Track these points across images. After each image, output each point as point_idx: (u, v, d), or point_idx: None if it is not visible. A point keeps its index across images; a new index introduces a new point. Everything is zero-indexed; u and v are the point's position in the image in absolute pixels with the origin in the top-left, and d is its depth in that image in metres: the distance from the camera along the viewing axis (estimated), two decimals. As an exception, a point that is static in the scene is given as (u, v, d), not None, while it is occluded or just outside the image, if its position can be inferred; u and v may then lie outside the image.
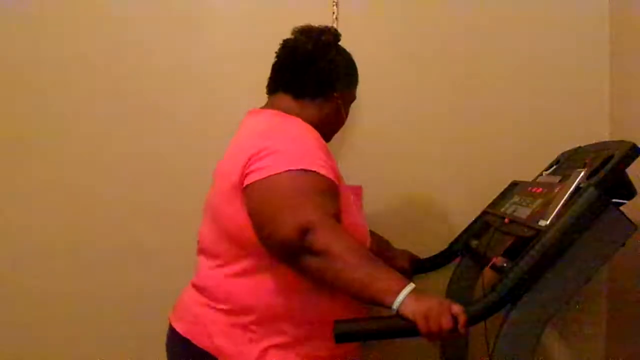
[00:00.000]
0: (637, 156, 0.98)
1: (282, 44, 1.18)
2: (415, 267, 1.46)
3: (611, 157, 1.00)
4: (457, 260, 1.43)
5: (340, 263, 0.88)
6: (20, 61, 1.58)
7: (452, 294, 1.41)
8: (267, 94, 1.20)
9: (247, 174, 0.97)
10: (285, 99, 1.14)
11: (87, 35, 1.58)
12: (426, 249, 1.48)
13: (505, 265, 0.99)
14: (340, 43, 1.20)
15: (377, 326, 0.91)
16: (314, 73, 1.13)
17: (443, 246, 1.46)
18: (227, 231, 1.03)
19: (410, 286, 0.86)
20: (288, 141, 1.01)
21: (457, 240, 1.43)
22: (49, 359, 1.58)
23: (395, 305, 0.85)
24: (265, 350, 1.00)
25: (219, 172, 1.11)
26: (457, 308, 0.85)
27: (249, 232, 0.98)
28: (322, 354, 1.03)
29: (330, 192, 0.97)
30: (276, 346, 1.00)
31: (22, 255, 1.58)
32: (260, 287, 1.01)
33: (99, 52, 1.58)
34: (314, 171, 0.95)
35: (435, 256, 1.46)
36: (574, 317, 1.54)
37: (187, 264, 1.57)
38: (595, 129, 1.55)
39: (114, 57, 1.58)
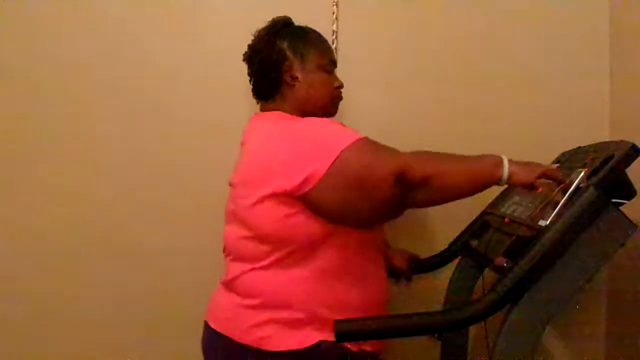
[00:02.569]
0: (637, 156, 0.98)
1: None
2: (415, 267, 1.46)
3: (611, 157, 1.00)
4: (457, 260, 1.44)
5: (441, 179, 0.98)
6: (20, 61, 1.58)
7: (452, 294, 1.40)
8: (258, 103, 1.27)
9: (302, 182, 0.99)
10: (266, 106, 1.22)
11: (86, 35, 1.58)
12: (426, 249, 1.48)
13: (505, 265, 0.99)
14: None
15: (377, 326, 0.91)
16: (260, 71, 1.20)
17: (443, 246, 1.46)
18: (260, 233, 1.06)
19: (504, 157, 0.98)
20: (317, 131, 1.05)
21: (457, 240, 1.43)
22: (49, 359, 1.58)
23: (505, 178, 0.97)
24: (308, 334, 1.03)
25: (242, 179, 1.12)
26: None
27: (284, 232, 1.03)
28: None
29: (378, 142, 1.03)
30: (318, 329, 1.03)
31: (22, 255, 1.58)
32: (293, 281, 1.05)
33: (99, 52, 1.58)
34: (358, 138, 1.01)
35: (435, 256, 1.45)
36: (574, 317, 1.54)
37: (187, 264, 1.59)
38: (595, 129, 1.55)
39: (114, 57, 1.58)
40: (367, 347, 1.10)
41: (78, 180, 1.58)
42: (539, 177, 0.98)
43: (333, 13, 1.57)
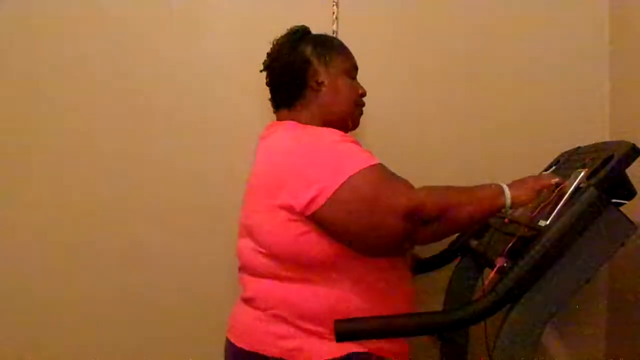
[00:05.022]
0: (637, 156, 0.98)
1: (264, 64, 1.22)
2: (415, 267, 1.46)
3: (611, 157, 1.00)
4: (457, 260, 1.43)
5: (451, 217, 0.98)
6: (20, 61, 1.58)
7: (452, 294, 1.41)
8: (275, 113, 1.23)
9: (309, 202, 0.96)
10: (283, 114, 1.18)
11: (87, 35, 1.58)
12: (426, 249, 1.48)
13: (505, 265, 0.99)
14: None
15: (378, 325, 0.91)
16: (283, 76, 1.16)
17: (443, 246, 1.46)
18: (274, 251, 1.03)
19: (504, 185, 1.00)
20: (328, 149, 1.01)
21: (457, 240, 1.43)
22: (49, 359, 1.58)
23: (508, 204, 0.99)
24: (339, 345, 0.98)
25: (253, 192, 1.10)
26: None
27: (298, 251, 1.00)
28: (392, 346, 1.06)
29: (391, 171, 1.01)
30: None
31: (22, 255, 1.58)
32: (315, 296, 1.02)
33: (99, 52, 1.58)
34: (370, 165, 0.98)
35: (435, 256, 1.45)
36: (574, 317, 1.54)
37: (187, 264, 1.59)
38: (595, 129, 1.55)
39: (114, 57, 1.58)
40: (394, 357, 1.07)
41: (78, 180, 1.58)
42: (538, 192, 1.00)
43: (333, 13, 1.57)
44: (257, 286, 1.07)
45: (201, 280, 1.57)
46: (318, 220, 0.98)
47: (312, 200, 0.96)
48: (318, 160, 1.00)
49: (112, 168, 1.58)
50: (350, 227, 0.97)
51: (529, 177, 1.04)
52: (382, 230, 0.95)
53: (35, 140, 1.58)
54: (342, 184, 0.95)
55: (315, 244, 1.00)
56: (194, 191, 1.58)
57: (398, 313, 1.04)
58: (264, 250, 1.05)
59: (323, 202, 0.95)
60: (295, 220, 0.99)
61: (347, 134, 1.09)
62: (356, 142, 1.05)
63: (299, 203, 0.97)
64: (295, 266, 1.02)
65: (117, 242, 1.58)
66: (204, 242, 1.57)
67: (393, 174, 1.01)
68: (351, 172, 0.96)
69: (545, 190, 1.01)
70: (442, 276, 1.45)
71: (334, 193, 0.95)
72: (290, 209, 0.99)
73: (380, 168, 0.99)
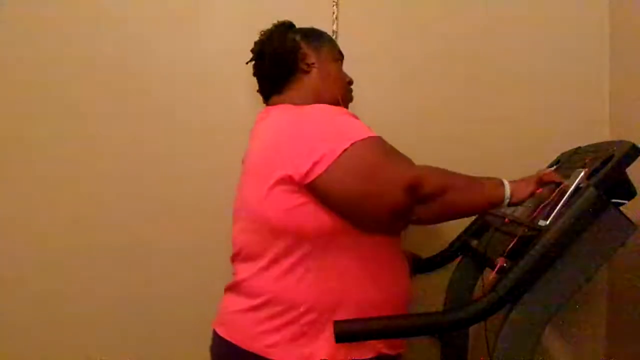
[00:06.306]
0: (637, 156, 0.98)
1: (252, 54, 1.24)
2: (415, 267, 1.46)
3: (611, 157, 1.00)
4: (457, 260, 1.43)
5: (452, 195, 0.97)
6: (20, 61, 1.58)
7: (452, 294, 1.40)
8: (265, 104, 1.23)
9: (309, 169, 0.94)
10: (275, 100, 1.18)
11: (87, 34, 1.58)
12: (426, 249, 1.48)
13: (505, 265, 0.99)
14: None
15: (377, 326, 0.90)
16: (273, 60, 1.17)
17: (443, 246, 1.46)
18: (270, 224, 1.01)
19: (505, 181, 1.01)
20: (329, 118, 1.01)
21: (457, 240, 1.43)
22: (50, 358, 1.58)
23: (507, 196, 1.00)
24: (314, 351, 0.99)
25: (251, 172, 1.09)
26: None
27: (294, 223, 0.98)
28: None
29: (393, 146, 1.01)
30: (327, 338, 0.98)
31: (22, 255, 1.58)
32: (303, 281, 1.00)
33: (99, 52, 1.58)
34: (373, 135, 0.98)
35: (435, 256, 1.45)
36: (574, 317, 1.54)
37: (188, 265, 1.59)
38: (595, 129, 1.55)
39: (114, 57, 1.58)
40: (387, 350, 1.05)
41: (79, 179, 1.58)
42: (537, 186, 1.01)
43: (333, 13, 1.57)
44: (248, 275, 1.05)
45: (202, 281, 1.57)
46: (317, 189, 0.96)
47: (313, 166, 0.94)
48: (320, 130, 0.98)
49: (112, 167, 1.59)
50: (350, 194, 0.95)
51: (528, 176, 1.05)
52: (381, 199, 0.93)
53: (35, 140, 1.58)
54: (346, 149, 0.94)
55: (312, 216, 0.98)
56: (194, 190, 1.59)
57: (391, 295, 1.05)
58: (260, 227, 1.03)
59: (325, 168, 0.94)
60: (293, 192, 0.97)
61: (347, 110, 1.08)
62: (356, 117, 1.04)
63: (299, 172, 0.95)
64: (290, 242, 1.00)
65: (117, 241, 1.58)
66: (204, 241, 1.57)
67: (395, 149, 1.00)
68: (354, 139, 0.95)
69: (545, 188, 1.01)
70: (442, 276, 1.45)
71: (337, 158, 0.93)
72: (289, 180, 0.97)
73: (383, 141, 0.99)
